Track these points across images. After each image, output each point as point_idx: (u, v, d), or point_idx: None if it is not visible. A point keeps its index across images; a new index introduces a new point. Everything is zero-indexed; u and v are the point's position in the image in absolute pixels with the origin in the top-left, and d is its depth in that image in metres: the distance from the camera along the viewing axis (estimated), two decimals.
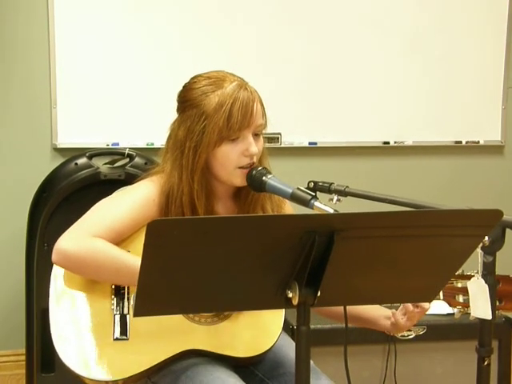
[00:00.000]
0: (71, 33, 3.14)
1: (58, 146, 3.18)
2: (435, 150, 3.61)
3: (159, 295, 1.42)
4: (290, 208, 2.03)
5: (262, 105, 1.90)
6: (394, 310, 1.96)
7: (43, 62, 3.14)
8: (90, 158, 2.95)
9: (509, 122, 3.66)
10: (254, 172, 1.86)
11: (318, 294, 1.43)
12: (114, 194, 2.02)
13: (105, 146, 3.14)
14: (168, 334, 1.82)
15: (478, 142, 3.63)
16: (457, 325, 2.52)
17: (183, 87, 1.94)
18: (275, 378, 1.92)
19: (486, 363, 1.74)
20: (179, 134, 1.88)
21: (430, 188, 3.56)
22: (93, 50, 3.16)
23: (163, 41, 3.23)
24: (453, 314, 1.90)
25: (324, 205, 1.75)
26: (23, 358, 3.03)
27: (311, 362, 1.51)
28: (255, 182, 1.85)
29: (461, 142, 3.61)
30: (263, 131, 1.91)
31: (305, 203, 1.77)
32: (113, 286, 1.86)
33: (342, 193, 1.86)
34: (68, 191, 2.89)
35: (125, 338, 1.82)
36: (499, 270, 1.77)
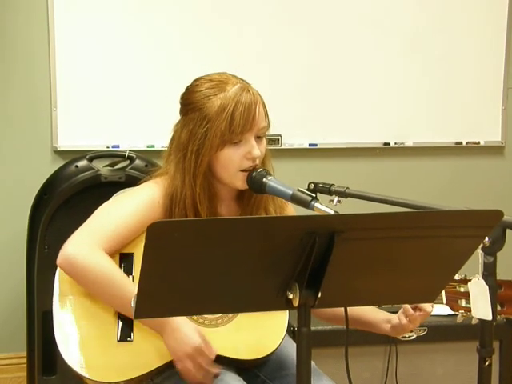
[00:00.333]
0: (71, 35, 3.14)
1: (59, 149, 3.18)
2: (435, 151, 3.61)
3: (160, 297, 1.42)
4: (292, 209, 2.02)
5: (264, 107, 1.90)
6: (397, 314, 1.95)
7: (43, 64, 3.14)
8: (91, 160, 2.96)
9: (509, 122, 3.66)
10: (254, 174, 1.86)
11: (319, 295, 1.43)
12: (115, 196, 2.02)
13: (105, 149, 3.15)
14: None
15: (479, 142, 3.63)
16: (458, 326, 2.51)
17: (186, 90, 1.94)
18: (277, 380, 1.92)
19: (487, 364, 1.74)
20: (182, 137, 1.88)
21: (431, 189, 3.56)
22: (93, 52, 3.16)
23: (163, 42, 3.23)
24: (453, 314, 1.91)
25: (324, 206, 1.75)
26: (24, 360, 3.03)
27: (312, 363, 1.51)
28: (255, 184, 1.85)
29: (461, 143, 3.61)
30: (266, 133, 1.91)
31: (305, 204, 1.77)
32: None
33: (343, 194, 1.86)
34: (68, 194, 2.89)
35: (129, 339, 1.82)
36: (502, 275, 1.77)
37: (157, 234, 1.32)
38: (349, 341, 1.64)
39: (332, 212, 1.70)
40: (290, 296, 1.44)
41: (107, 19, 3.17)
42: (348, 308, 1.64)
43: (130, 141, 3.20)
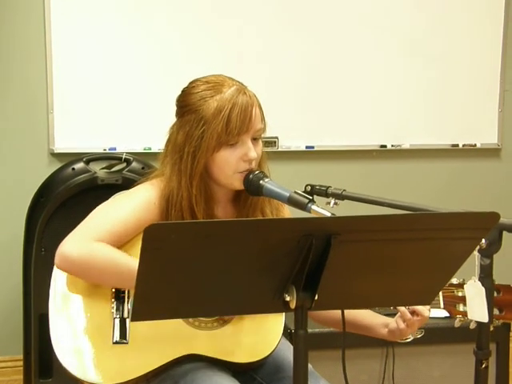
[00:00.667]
0: (68, 37, 3.14)
1: (55, 151, 3.18)
2: (432, 153, 3.61)
3: (157, 300, 1.42)
4: (289, 211, 2.03)
5: (260, 109, 1.90)
6: (394, 318, 1.95)
7: (40, 66, 3.14)
8: (87, 162, 2.96)
9: (505, 124, 3.66)
10: (251, 176, 1.86)
11: (316, 297, 1.43)
12: (112, 198, 2.02)
13: (102, 151, 3.15)
14: (167, 339, 1.82)
15: (475, 145, 3.64)
16: (454, 328, 2.51)
17: (182, 92, 1.94)
18: (274, 382, 1.92)
19: (483, 366, 1.74)
20: (178, 139, 1.88)
21: (427, 191, 3.56)
22: (90, 54, 3.17)
23: (162, 44, 3.23)
24: (450, 317, 1.91)
25: (321, 208, 1.75)
26: (21, 363, 3.03)
27: (309, 365, 1.51)
28: (252, 186, 1.85)
29: (458, 145, 3.62)
30: (262, 135, 1.91)
31: (302, 207, 1.77)
32: (113, 290, 1.86)
33: (339, 196, 1.86)
34: (65, 196, 2.89)
35: (124, 341, 1.82)
36: (498, 277, 1.77)
37: (154, 236, 1.32)
38: (346, 343, 1.64)
39: (329, 214, 1.70)
40: (287, 298, 1.44)
41: (104, 21, 3.18)
42: (344, 312, 1.64)
43: (127, 143, 3.20)
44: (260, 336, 1.87)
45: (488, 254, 1.71)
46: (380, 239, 1.42)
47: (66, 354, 1.80)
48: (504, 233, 1.68)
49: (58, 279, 1.86)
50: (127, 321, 1.84)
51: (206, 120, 1.84)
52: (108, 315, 1.84)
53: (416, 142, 3.56)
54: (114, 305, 1.86)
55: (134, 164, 2.98)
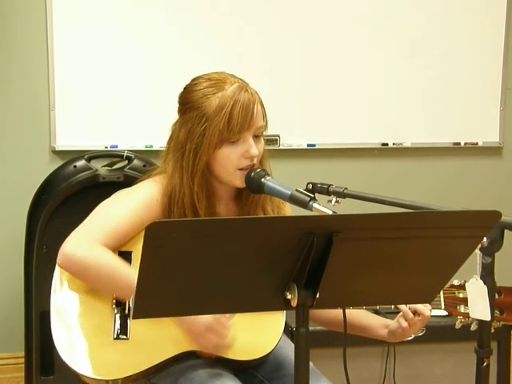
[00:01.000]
0: (69, 35, 3.14)
1: (57, 149, 3.18)
2: (434, 152, 3.61)
3: (158, 297, 1.42)
4: (290, 209, 2.03)
5: (262, 106, 1.90)
6: (396, 318, 1.95)
7: (42, 64, 3.14)
8: (89, 160, 2.95)
9: (507, 123, 3.66)
10: (252, 174, 1.86)
11: (317, 295, 1.43)
12: (114, 195, 2.02)
13: (103, 149, 3.14)
14: (168, 335, 1.82)
15: (477, 143, 3.63)
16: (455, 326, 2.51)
17: (184, 89, 1.94)
18: (275, 380, 1.92)
19: (485, 364, 1.74)
20: (180, 136, 1.88)
21: (429, 189, 3.56)
22: (91, 52, 3.16)
23: (163, 42, 3.23)
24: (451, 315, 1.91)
25: (323, 206, 1.75)
26: (22, 360, 3.03)
27: (310, 363, 1.51)
28: (254, 184, 1.86)
29: (459, 144, 3.61)
30: (264, 132, 1.91)
31: (303, 205, 1.77)
32: None
33: (341, 194, 1.86)
34: (67, 193, 2.89)
35: (125, 337, 1.83)
36: (501, 277, 1.77)
37: (155, 233, 1.32)
38: (347, 341, 1.64)
39: (330, 212, 1.70)
40: (289, 296, 1.44)
41: (106, 19, 3.17)
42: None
43: (129, 141, 3.20)
44: (261, 334, 1.87)
45: (489, 252, 1.71)
46: (381, 237, 1.42)
47: (67, 349, 1.80)
48: (506, 231, 1.68)
49: (60, 276, 1.87)
50: (128, 317, 1.84)
51: (208, 117, 1.84)
52: (109, 311, 1.85)
53: (417, 140, 3.56)
54: (115, 301, 1.86)
55: (136, 162, 2.98)
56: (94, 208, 1.91)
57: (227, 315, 1.83)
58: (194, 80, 1.93)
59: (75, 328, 1.83)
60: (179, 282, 1.40)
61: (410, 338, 1.98)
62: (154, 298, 1.41)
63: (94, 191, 2.85)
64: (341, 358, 1.64)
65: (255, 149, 1.86)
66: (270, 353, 1.87)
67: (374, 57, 3.46)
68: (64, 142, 3.18)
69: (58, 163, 3.06)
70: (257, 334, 1.86)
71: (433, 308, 1.91)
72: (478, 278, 1.74)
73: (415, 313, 1.90)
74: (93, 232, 1.82)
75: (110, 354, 1.81)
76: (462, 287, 1.86)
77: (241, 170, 1.87)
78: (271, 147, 3.12)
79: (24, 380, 3.02)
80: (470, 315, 1.78)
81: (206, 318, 1.78)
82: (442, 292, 1.91)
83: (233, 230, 1.36)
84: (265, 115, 1.91)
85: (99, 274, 1.80)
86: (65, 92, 3.15)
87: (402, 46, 3.49)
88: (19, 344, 3.05)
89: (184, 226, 1.36)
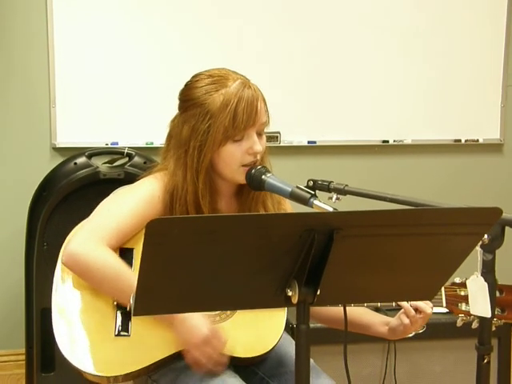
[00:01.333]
0: (70, 32, 3.14)
1: (58, 146, 3.18)
2: (434, 149, 3.61)
3: (159, 294, 1.42)
4: (290, 205, 2.03)
5: (264, 102, 1.90)
6: (398, 314, 1.95)
7: (42, 61, 3.14)
8: (90, 157, 2.95)
9: (508, 120, 3.66)
10: (253, 171, 1.86)
11: (318, 292, 1.43)
12: (115, 192, 2.02)
13: (104, 146, 3.14)
14: (169, 332, 1.82)
15: (477, 140, 3.63)
16: (456, 323, 2.52)
17: (185, 85, 1.93)
18: (276, 377, 1.92)
19: (485, 361, 1.74)
20: (183, 133, 1.87)
21: (430, 186, 3.56)
22: (92, 49, 3.16)
23: (162, 40, 3.23)
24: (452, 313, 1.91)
25: (323, 203, 1.75)
26: (23, 357, 3.03)
27: (311, 360, 1.51)
28: (254, 181, 1.86)
29: (460, 141, 3.61)
30: (265, 129, 1.92)
31: (304, 202, 1.77)
32: None
33: (342, 191, 1.86)
34: (67, 190, 2.89)
35: (126, 334, 1.83)
36: (502, 275, 1.77)
37: (156, 230, 1.32)
38: (347, 338, 1.64)
39: (331, 209, 1.70)
40: (289, 293, 1.44)
41: (106, 16, 3.17)
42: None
43: (129, 138, 3.20)
44: (262, 331, 1.87)
45: (490, 249, 1.71)
46: (382, 234, 1.42)
47: (69, 345, 1.80)
48: (506, 228, 1.68)
49: (62, 272, 1.87)
50: (129, 314, 1.84)
51: (212, 114, 1.83)
52: (111, 308, 1.85)
53: (418, 137, 3.55)
54: None
55: (136, 158, 2.98)
56: (94, 205, 1.91)
57: (217, 318, 1.83)
58: (195, 77, 1.93)
59: (76, 324, 1.83)
60: (180, 279, 1.40)
61: (410, 335, 1.98)
62: (155, 295, 1.41)
63: (94, 188, 2.85)
64: (341, 354, 1.63)
65: (259, 145, 1.87)
66: (271, 350, 1.87)
67: (374, 54, 3.45)
68: (64, 139, 3.18)
69: (59, 160, 3.05)
70: (258, 331, 1.87)
71: (434, 306, 1.91)
72: (479, 275, 1.74)
73: (416, 310, 1.90)
74: (97, 231, 1.82)
75: (111, 351, 1.81)
76: (464, 285, 1.86)
77: (244, 166, 1.87)
78: (272, 144, 3.11)
79: (25, 377, 3.02)
80: (471, 312, 1.78)
81: (202, 331, 1.77)
82: (443, 290, 1.91)
83: (233, 227, 1.36)
84: (267, 110, 1.91)
85: (104, 275, 1.80)
86: (65, 89, 3.15)
87: (403, 43, 3.48)
88: (20, 341, 3.05)
89: (185, 223, 1.36)
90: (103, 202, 1.92)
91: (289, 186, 1.81)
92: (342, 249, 1.39)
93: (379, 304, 1.99)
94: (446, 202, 1.79)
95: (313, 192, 1.78)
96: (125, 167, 2.95)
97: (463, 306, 1.88)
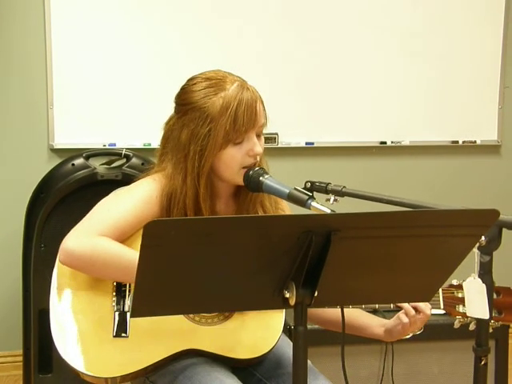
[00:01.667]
0: (68, 33, 3.14)
1: (55, 147, 3.18)
2: (432, 150, 3.61)
3: (156, 296, 1.42)
4: (287, 205, 2.03)
5: (262, 103, 1.90)
6: (397, 314, 1.95)
7: (40, 62, 3.14)
8: (87, 158, 2.95)
9: (505, 121, 3.66)
10: (250, 172, 1.86)
11: (315, 294, 1.43)
12: (114, 193, 2.02)
13: (102, 147, 3.14)
14: (168, 333, 1.82)
15: (475, 141, 3.63)
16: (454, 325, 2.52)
17: (182, 89, 1.92)
18: (273, 379, 1.92)
19: (482, 363, 1.75)
20: (182, 138, 1.87)
21: (427, 188, 3.56)
22: (90, 50, 3.16)
23: (160, 41, 3.23)
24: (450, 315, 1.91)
25: (321, 205, 1.75)
26: (20, 358, 3.03)
27: (309, 362, 1.51)
28: (252, 183, 1.85)
29: (457, 142, 3.62)
30: (263, 130, 1.92)
31: (302, 203, 1.77)
32: (114, 284, 1.87)
33: (339, 193, 1.86)
34: (65, 192, 2.89)
35: (124, 335, 1.83)
36: (499, 276, 1.77)
37: (153, 232, 1.32)
38: (345, 339, 1.64)
39: (328, 211, 1.70)
40: (287, 295, 1.44)
41: (105, 17, 3.17)
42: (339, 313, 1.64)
43: (127, 139, 3.20)
44: (260, 332, 1.87)
45: (488, 251, 1.71)
46: (380, 236, 1.42)
47: (66, 346, 1.80)
48: (504, 230, 1.68)
49: (60, 273, 1.87)
50: (128, 314, 1.84)
51: (213, 118, 1.83)
52: (109, 309, 1.85)
53: (416, 138, 3.56)
54: (115, 298, 1.86)
55: (134, 160, 2.98)
56: (92, 206, 1.91)
57: (215, 319, 1.84)
58: (191, 80, 1.91)
59: (74, 325, 1.83)
60: (177, 280, 1.40)
61: (407, 337, 1.98)
62: (153, 296, 1.41)
63: (92, 189, 2.85)
64: (339, 356, 1.64)
65: (259, 147, 1.87)
66: (269, 351, 1.87)
67: (373, 56, 3.46)
68: (62, 140, 3.18)
69: (56, 161, 3.05)
70: (257, 332, 1.86)
71: (432, 308, 1.91)
72: (476, 277, 1.74)
73: (416, 310, 1.90)
74: (93, 227, 1.82)
75: (109, 352, 1.81)
76: (461, 287, 1.86)
77: (245, 168, 1.87)
78: (269, 145, 3.12)
79: (22, 378, 3.02)
80: (467, 314, 1.78)
81: None
82: (441, 292, 1.91)
83: (231, 229, 1.36)
84: (265, 112, 1.91)
85: (104, 260, 1.79)
86: (63, 90, 3.15)
87: (401, 45, 3.49)
88: (17, 342, 3.05)
89: (182, 225, 1.36)
90: (101, 201, 1.92)
91: (286, 187, 1.81)
92: (340, 250, 1.40)
93: (377, 305, 1.99)
94: (444, 203, 1.80)
95: (310, 194, 1.78)
96: (122, 168, 2.95)
97: (461, 308, 1.88)
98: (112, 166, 2.99)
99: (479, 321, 1.75)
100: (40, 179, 2.97)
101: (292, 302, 1.44)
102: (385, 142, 3.52)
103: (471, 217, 1.47)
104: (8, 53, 3.14)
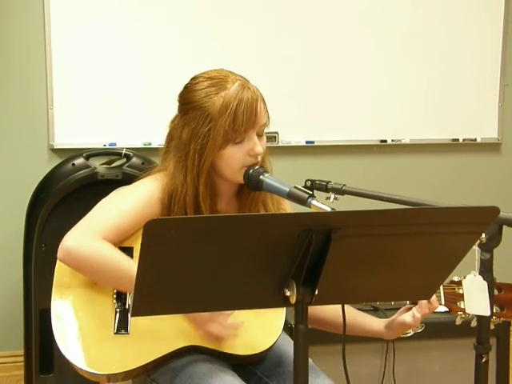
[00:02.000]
0: (68, 33, 3.13)
1: (55, 147, 3.18)
2: (432, 148, 3.61)
3: (157, 295, 1.42)
4: (289, 204, 2.03)
5: (264, 103, 1.90)
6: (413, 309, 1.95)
7: (40, 62, 3.13)
8: (87, 158, 2.95)
9: (505, 119, 3.66)
10: (251, 171, 1.86)
11: (316, 292, 1.44)
12: (114, 192, 2.02)
13: (102, 147, 3.14)
14: (168, 330, 1.83)
15: (475, 139, 3.63)
16: (455, 322, 2.52)
17: (184, 88, 1.93)
18: (274, 377, 1.92)
19: (483, 360, 1.75)
20: (183, 136, 1.87)
21: (428, 186, 3.56)
22: (90, 50, 3.16)
23: (160, 40, 3.22)
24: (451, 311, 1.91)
25: (321, 203, 1.75)
26: (22, 358, 3.03)
27: (310, 360, 1.51)
28: (252, 181, 1.86)
29: (458, 140, 3.61)
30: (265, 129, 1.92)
31: (302, 202, 1.77)
32: None
33: (339, 191, 1.86)
34: (65, 192, 2.89)
35: (125, 332, 1.83)
36: (499, 273, 1.77)
37: (153, 231, 1.32)
38: (346, 338, 1.64)
39: (329, 209, 1.70)
40: (287, 293, 1.44)
41: (104, 17, 3.17)
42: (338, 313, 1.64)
43: (127, 139, 3.19)
44: (260, 329, 1.87)
45: (488, 248, 1.71)
46: (380, 234, 1.42)
47: (68, 344, 1.81)
48: (504, 227, 1.68)
49: (61, 271, 1.87)
50: (128, 311, 1.85)
51: (212, 117, 1.83)
52: (110, 306, 1.86)
53: (416, 136, 3.56)
54: (116, 295, 1.87)
55: (134, 159, 2.98)
56: (92, 206, 1.91)
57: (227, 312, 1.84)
58: (193, 79, 1.92)
59: (75, 323, 1.83)
60: (178, 279, 1.40)
61: (409, 335, 1.98)
62: (153, 295, 1.41)
63: (92, 189, 2.85)
64: (340, 354, 1.64)
65: (260, 146, 1.87)
66: (269, 348, 1.87)
67: (372, 55, 3.46)
68: (62, 140, 3.17)
69: (57, 161, 3.05)
70: (257, 329, 1.87)
71: None
72: (477, 274, 1.74)
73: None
74: (93, 227, 1.83)
75: (110, 349, 1.82)
76: (462, 283, 1.86)
77: (246, 167, 1.87)
78: (270, 144, 3.09)
79: (24, 378, 3.02)
80: (467, 311, 1.79)
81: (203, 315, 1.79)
82: (442, 288, 1.91)
83: (232, 227, 1.36)
84: (267, 111, 1.91)
85: (101, 266, 1.80)
86: (63, 90, 3.15)
87: (401, 43, 3.49)
88: (19, 342, 3.05)
89: (182, 224, 1.36)
90: (102, 200, 1.93)
91: (287, 186, 1.81)
92: (340, 248, 1.40)
93: (377, 303, 2.00)
94: (444, 201, 1.80)
95: (311, 192, 1.78)
96: (123, 168, 2.95)
97: (462, 304, 1.88)
98: (112, 165, 2.99)
99: (480, 318, 1.75)
100: (40, 179, 2.97)
101: (292, 300, 1.44)
102: (385, 141, 3.52)
103: (471, 214, 1.47)
104: (8, 53, 3.14)
